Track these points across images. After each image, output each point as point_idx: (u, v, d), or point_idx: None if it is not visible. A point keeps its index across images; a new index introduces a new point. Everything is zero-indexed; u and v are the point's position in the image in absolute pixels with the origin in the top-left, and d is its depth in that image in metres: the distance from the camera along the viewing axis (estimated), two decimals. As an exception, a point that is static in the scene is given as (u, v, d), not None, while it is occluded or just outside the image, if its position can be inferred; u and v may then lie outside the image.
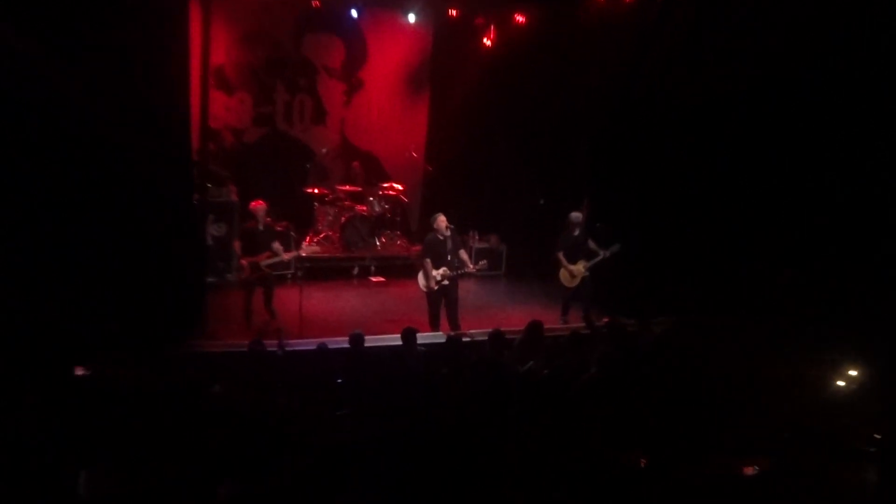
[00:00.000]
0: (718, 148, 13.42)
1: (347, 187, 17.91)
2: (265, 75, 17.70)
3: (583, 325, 13.54)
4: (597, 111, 15.20)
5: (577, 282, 14.29)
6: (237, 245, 13.77)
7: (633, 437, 7.99)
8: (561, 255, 14.15)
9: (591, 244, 14.33)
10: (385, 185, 18.12)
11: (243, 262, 13.31)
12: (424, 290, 13.46)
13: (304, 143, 18.61)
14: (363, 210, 17.55)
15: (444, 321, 13.48)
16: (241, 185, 16.68)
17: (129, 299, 11.92)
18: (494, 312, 14.95)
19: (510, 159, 17.62)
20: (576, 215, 14.34)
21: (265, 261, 13.30)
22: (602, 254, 14.18)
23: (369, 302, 15.45)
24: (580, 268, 14.10)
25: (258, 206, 13.61)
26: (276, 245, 13.37)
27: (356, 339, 10.99)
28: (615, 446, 7.80)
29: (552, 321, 13.61)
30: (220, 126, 17.42)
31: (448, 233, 13.28)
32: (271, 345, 11.44)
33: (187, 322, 12.77)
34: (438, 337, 12.78)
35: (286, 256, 13.47)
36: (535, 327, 11.16)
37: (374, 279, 17.05)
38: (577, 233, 14.19)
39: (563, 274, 14.29)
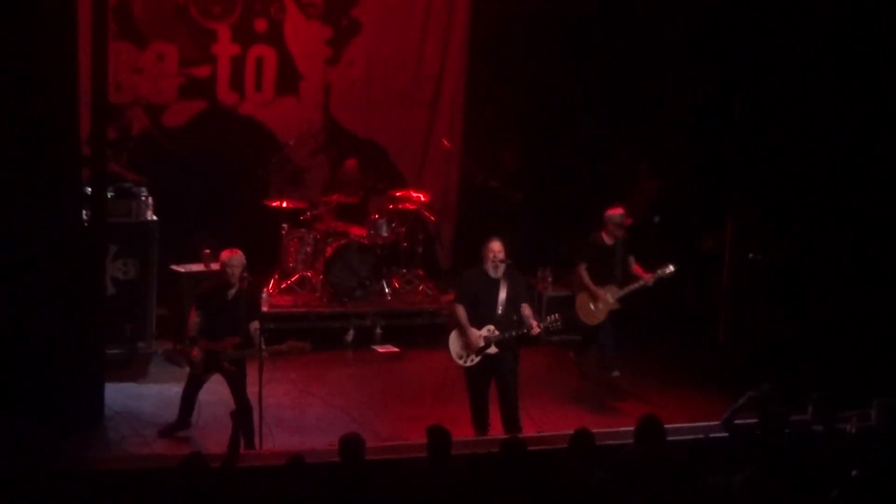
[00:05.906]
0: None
1: (335, 198, 15.76)
2: (199, 14, 15.76)
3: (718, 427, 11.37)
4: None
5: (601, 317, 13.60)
6: (193, 320, 11.95)
7: None
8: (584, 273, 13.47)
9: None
10: (398, 193, 16.09)
11: (195, 352, 11.79)
12: (460, 363, 11.97)
13: (262, 125, 16.22)
14: (360, 235, 15.55)
15: (496, 416, 12.18)
16: (163, 195, 14.65)
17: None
18: (580, 401, 13.54)
19: (606, 149, 16.27)
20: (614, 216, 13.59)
21: (232, 351, 11.76)
22: (643, 281, 13.41)
23: (373, 387, 13.88)
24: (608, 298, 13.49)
25: (232, 255, 11.97)
26: (255, 327, 11.67)
27: (352, 447, 9.51)
28: None
29: (686, 415, 12.35)
30: (127, 100, 15.51)
31: (501, 270, 11.77)
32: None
33: (73, 421, 11.57)
34: (488, 444, 11.07)
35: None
36: (649, 426, 9.51)
37: (380, 349, 15.01)
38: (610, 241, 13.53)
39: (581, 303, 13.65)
